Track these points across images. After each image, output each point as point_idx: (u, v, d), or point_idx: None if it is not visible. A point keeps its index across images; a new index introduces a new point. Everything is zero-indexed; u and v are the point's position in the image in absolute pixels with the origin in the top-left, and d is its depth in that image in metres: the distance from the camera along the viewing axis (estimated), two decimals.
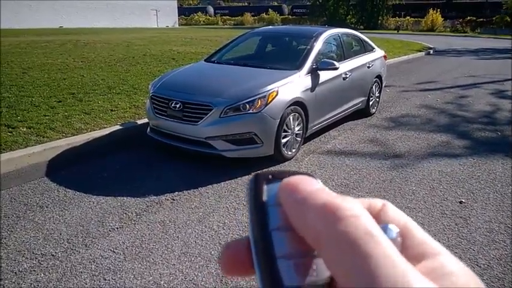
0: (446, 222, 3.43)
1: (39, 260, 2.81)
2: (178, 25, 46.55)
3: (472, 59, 16.87)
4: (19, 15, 30.24)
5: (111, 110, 6.18)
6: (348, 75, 5.84)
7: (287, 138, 4.65)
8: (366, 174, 4.43)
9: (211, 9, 65.41)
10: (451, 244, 3.08)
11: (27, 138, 4.92)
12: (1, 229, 3.20)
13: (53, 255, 2.88)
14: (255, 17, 54.97)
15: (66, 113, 5.91)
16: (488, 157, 5.01)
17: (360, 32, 7.50)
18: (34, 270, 2.70)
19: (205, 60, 6.16)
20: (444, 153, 5.16)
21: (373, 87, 6.84)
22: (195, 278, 2.66)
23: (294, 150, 4.81)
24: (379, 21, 46.18)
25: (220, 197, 3.82)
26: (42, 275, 2.66)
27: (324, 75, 5.25)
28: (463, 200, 3.85)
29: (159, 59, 11.51)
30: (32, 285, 2.56)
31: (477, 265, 2.85)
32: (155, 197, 3.77)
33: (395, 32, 40.07)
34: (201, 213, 3.50)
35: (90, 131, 5.32)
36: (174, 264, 2.79)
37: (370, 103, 6.80)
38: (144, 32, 26.07)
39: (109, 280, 2.62)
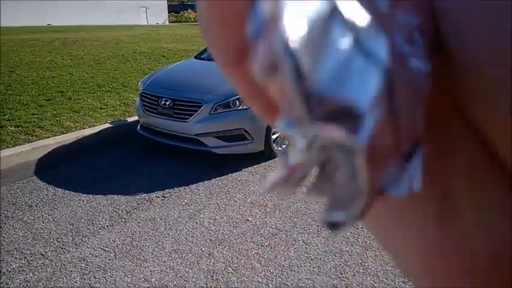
0: None
1: (28, 260, 2.79)
2: (169, 22, 46.32)
3: None
4: (6, 13, 29.85)
5: (101, 108, 6.14)
6: None
7: (277, 134, 4.66)
8: None
9: None
10: None
11: (16, 137, 4.88)
12: None
13: (42, 254, 2.86)
14: None
15: (55, 112, 5.86)
16: None
17: None
18: (23, 270, 2.69)
19: (195, 57, 6.14)
20: None
21: None
22: (186, 274, 2.66)
23: (284, 146, 4.82)
24: None
25: (211, 193, 3.82)
26: (32, 274, 2.65)
27: None
28: None
29: (149, 56, 11.45)
30: (21, 285, 2.54)
31: None
32: (145, 195, 3.76)
33: None
34: (191, 210, 3.50)
35: (80, 129, 5.29)
36: (164, 261, 2.79)
37: None
38: (134, 29, 25.88)
39: (99, 278, 2.61)
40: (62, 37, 16.51)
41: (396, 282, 2.60)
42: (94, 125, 5.45)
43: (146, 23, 40.93)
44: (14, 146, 4.64)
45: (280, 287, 2.57)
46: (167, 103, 4.51)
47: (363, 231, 3.19)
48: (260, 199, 3.71)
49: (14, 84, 7.45)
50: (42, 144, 4.77)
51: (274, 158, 4.67)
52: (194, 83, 4.84)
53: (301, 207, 3.56)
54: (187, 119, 4.38)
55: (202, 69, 5.55)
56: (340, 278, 2.66)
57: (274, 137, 4.59)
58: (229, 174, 4.21)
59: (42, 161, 4.54)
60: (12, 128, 5.16)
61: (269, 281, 2.62)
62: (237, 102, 4.36)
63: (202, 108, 4.33)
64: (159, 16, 44.51)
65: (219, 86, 4.60)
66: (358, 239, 3.08)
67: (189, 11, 54.63)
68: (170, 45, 14.30)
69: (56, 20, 33.23)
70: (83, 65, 9.67)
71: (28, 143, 4.76)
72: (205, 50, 6.32)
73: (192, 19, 51.77)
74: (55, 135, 5.04)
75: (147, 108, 4.72)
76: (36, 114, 5.71)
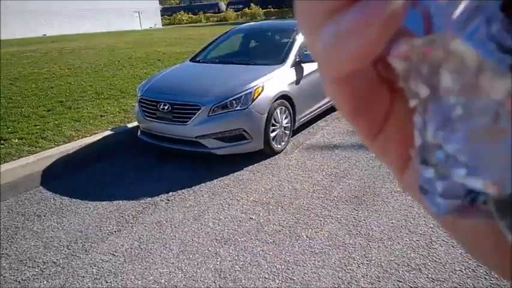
0: None
1: (41, 268, 2.89)
2: (162, 25, 46.28)
3: None
4: (1, 26, 29.90)
5: (101, 116, 6.22)
6: None
7: (276, 132, 4.74)
8: (355, 162, 4.54)
9: (223, 5, 61.92)
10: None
11: (20, 149, 4.97)
12: (1, 240, 3.26)
13: (54, 262, 2.95)
14: (238, 12, 54.52)
15: (56, 122, 5.95)
16: None
17: None
18: (37, 278, 2.78)
19: (190, 60, 6.22)
20: None
21: None
22: (194, 274, 2.75)
23: (283, 143, 4.91)
24: None
25: (214, 194, 3.90)
26: (45, 282, 2.74)
27: (308, 67, 5.33)
28: None
29: (145, 61, 11.53)
30: None
31: None
32: (150, 199, 3.85)
33: None
34: (196, 211, 3.59)
35: (82, 138, 5.37)
36: (173, 263, 2.88)
37: None
38: (128, 34, 25.95)
39: (111, 282, 2.71)
40: (58, 47, 16.59)
41: (400, 272, 2.67)
42: (95, 133, 5.54)
43: (140, 27, 40.96)
44: (19, 158, 4.73)
45: (286, 282, 2.66)
46: (166, 107, 4.59)
47: (365, 222, 3.28)
48: (263, 197, 3.79)
49: (14, 96, 7.54)
50: (46, 154, 4.86)
51: (274, 155, 4.75)
52: (191, 86, 4.92)
53: (303, 204, 3.65)
54: (187, 122, 4.46)
55: (198, 72, 5.63)
56: (345, 270, 2.73)
57: (272, 135, 4.68)
58: (231, 174, 4.30)
59: (48, 171, 4.63)
60: (16, 140, 5.24)
61: (275, 277, 2.70)
62: (234, 103, 4.44)
63: (200, 110, 4.41)
64: (152, 19, 44.48)
65: (216, 87, 4.68)
66: (361, 231, 3.16)
67: (182, 12, 54.35)
68: (165, 49, 14.36)
69: (50, 30, 33.29)
70: (80, 74, 9.75)
71: (32, 154, 4.85)
72: (200, 52, 6.41)
73: (185, 21, 51.57)
74: (58, 145, 5.12)
75: (146, 113, 4.81)
76: (38, 125, 5.80)
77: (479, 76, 0.15)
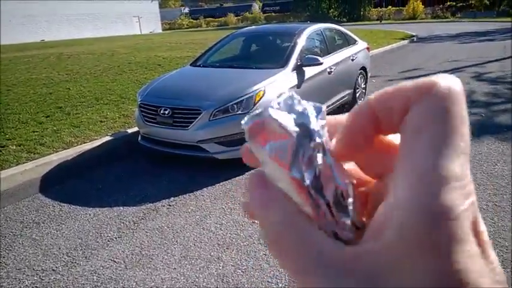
0: None
1: (40, 276, 2.83)
2: (162, 30, 46.38)
3: (454, 44, 17.06)
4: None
5: (101, 121, 6.18)
6: (332, 69, 5.91)
7: None
8: None
9: (256, 7, 60.36)
10: None
11: (18, 155, 4.91)
12: None
13: (53, 270, 2.90)
14: (238, 17, 54.59)
15: (55, 128, 5.90)
16: (474, 139, 5.11)
17: (343, 25, 7.59)
18: (36, 287, 2.72)
19: (191, 65, 6.19)
20: None
21: (359, 79, 6.92)
22: (197, 279, 2.70)
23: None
24: (362, 13, 46.46)
25: (216, 198, 3.86)
26: None
27: (309, 71, 5.31)
28: None
29: (145, 66, 11.50)
30: None
31: None
32: (151, 204, 3.80)
33: (378, 22, 40.39)
34: (197, 216, 3.53)
35: (81, 144, 5.32)
36: (175, 268, 2.83)
37: (357, 95, 6.87)
38: (128, 39, 25.96)
39: None
40: (56, 52, 16.58)
41: None
42: (95, 139, 5.49)
43: (140, 32, 41.06)
44: (17, 165, 4.67)
45: (289, 286, 2.61)
46: (166, 112, 4.55)
47: None
48: None
49: (12, 103, 7.50)
50: (45, 161, 4.80)
51: None
52: (192, 91, 4.88)
53: None
54: (188, 126, 4.42)
55: (199, 76, 5.59)
56: None
57: None
58: (233, 179, 4.25)
59: (46, 177, 4.58)
60: (14, 147, 5.19)
61: (278, 281, 2.65)
62: (236, 107, 4.40)
63: (201, 115, 4.38)
64: (152, 24, 44.59)
65: (217, 92, 4.64)
66: None
67: (182, 17, 54.45)
68: (165, 54, 14.34)
69: (49, 35, 33.32)
70: (79, 79, 9.72)
71: (31, 161, 4.79)
72: (200, 56, 6.38)
73: (185, 26, 51.67)
74: (57, 152, 5.07)
75: (146, 118, 4.76)
76: (37, 132, 5.75)
77: None
